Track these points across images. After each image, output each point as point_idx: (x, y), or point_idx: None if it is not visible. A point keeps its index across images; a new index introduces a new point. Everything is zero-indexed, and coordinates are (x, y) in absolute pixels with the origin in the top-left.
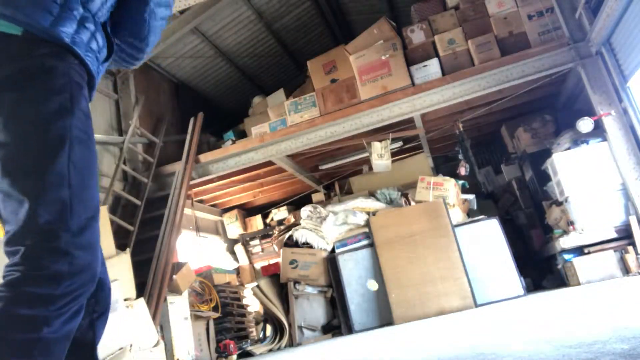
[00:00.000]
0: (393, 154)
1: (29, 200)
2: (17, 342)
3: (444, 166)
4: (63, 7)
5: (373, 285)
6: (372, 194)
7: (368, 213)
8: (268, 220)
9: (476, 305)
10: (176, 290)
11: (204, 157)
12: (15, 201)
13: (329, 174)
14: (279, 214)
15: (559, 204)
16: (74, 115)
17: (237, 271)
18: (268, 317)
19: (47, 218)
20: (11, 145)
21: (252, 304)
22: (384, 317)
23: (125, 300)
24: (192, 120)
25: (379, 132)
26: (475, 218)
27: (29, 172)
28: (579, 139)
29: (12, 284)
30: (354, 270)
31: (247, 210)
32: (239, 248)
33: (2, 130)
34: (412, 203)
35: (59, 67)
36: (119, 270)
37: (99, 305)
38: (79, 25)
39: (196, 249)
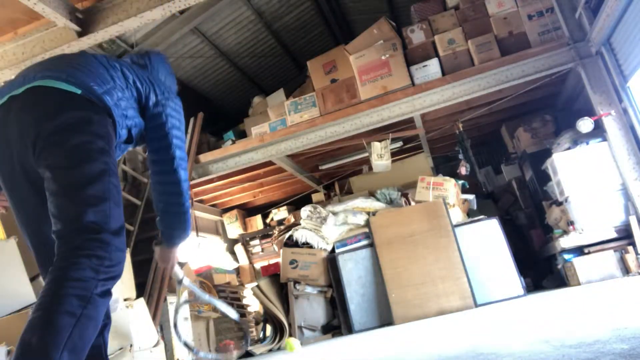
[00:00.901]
0: (393, 154)
1: (80, 207)
2: (75, 296)
3: (444, 166)
4: (108, 90)
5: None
6: (372, 194)
7: (368, 213)
8: (268, 220)
9: (476, 305)
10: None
11: (204, 157)
12: (68, 207)
13: (329, 174)
14: (279, 214)
15: (559, 204)
16: (110, 155)
17: (237, 271)
18: (268, 317)
19: (94, 219)
20: (67, 168)
21: (252, 304)
22: (384, 317)
23: (125, 300)
24: (192, 120)
25: (379, 132)
26: (475, 218)
27: (82, 187)
28: (579, 139)
29: (68, 258)
30: (354, 270)
31: (247, 210)
32: (239, 248)
33: (61, 158)
34: (412, 203)
35: (102, 121)
36: None
37: (104, 316)
38: (115, 104)
39: (196, 249)
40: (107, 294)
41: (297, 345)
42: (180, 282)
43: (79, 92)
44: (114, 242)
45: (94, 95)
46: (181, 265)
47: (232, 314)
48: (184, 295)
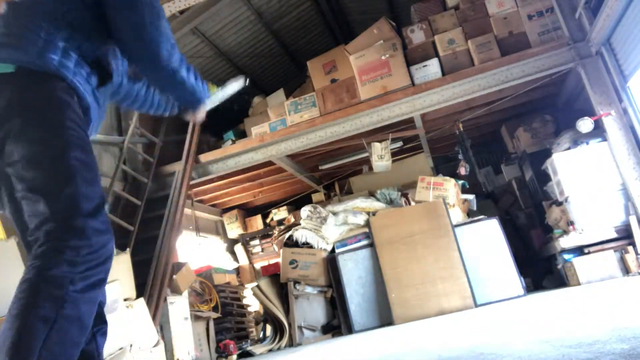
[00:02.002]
0: (393, 154)
1: (43, 197)
2: (48, 297)
3: (444, 166)
4: (46, 39)
5: None
6: (372, 194)
7: (368, 213)
8: (268, 220)
9: (476, 305)
10: (176, 290)
11: (204, 157)
12: (33, 201)
13: (329, 174)
14: (279, 214)
15: (559, 204)
16: (67, 125)
17: (237, 271)
18: (268, 317)
19: (60, 207)
20: (22, 159)
21: (252, 304)
22: (384, 317)
23: (125, 300)
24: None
25: (379, 132)
26: (475, 218)
27: (40, 176)
28: (579, 139)
29: (41, 255)
30: (354, 270)
31: (247, 210)
32: (239, 248)
33: (14, 152)
34: (412, 203)
35: (50, 89)
36: (119, 270)
37: (98, 320)
38: (63, 53)
39: (196, 249)
40: (94, 286)
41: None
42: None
43: (11, 69)
44: (90, 225)
45: (31, 62)
46: (181, 265)
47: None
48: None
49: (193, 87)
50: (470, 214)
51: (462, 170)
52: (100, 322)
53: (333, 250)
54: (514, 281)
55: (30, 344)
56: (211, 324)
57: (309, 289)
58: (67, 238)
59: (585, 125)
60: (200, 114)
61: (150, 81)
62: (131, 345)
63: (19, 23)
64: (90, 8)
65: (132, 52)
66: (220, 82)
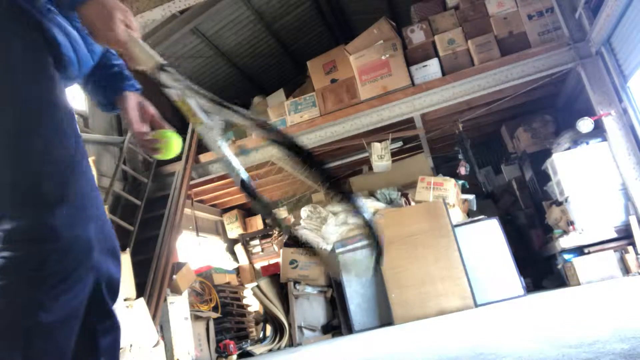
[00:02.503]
0: (393, 154)
1: None
2: (12, 331)
3: (444, 166)
4: None
5: None
6: (372, 194)
7: None
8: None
9: (476, 305)
10: (176, 290)
11: (204, 157)
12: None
13: None
14: (279, 214)
15: (559, 204)
16: (12, 67)
17: (237, 271)
18: (268, 317)
19: (18, 196)
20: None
21: (252, 304)
22: (384, 317)
23: (125, 300)
24: None
25: (379, 132)
26: (475, 218)
27: None
28: (579, 139)
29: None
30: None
31: (247, 210)
32: (239, 248)
33: None
34: (412, 203)
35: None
36: None
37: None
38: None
39: (196, 249)
40: (74, 295)
41: None
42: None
43: None
44: (57, 218)
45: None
46: (181, 265)
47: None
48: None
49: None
50: (470, 214)
51: (462, 170)
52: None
53: (333, 250)
54: (514, 281)
55: None
56: (211, 324)
57: (309, 289)
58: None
59: (585, 125)
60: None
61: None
62: (131, 345)
63: None
64: None
65: None
66: (220, 82)
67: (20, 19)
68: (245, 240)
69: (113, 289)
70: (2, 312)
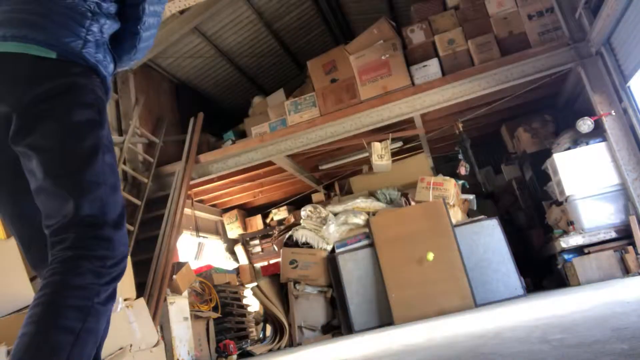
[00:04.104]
0: (393, 154)
1: (73, 198)
2: (74, 307)
3: (444, 166)
4: (87, 32)
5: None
6: (372, 194)
7: (368, 213)
8: (268, 220)
9: (476, 305)
10: (176, 290)
11: (204, 157)
12: (60, 198)
13: (329, 174)
14: (279, 214)
15: (559, 204)
16: (103, 126)
17: (237, 271)
18: (268, 317)
19: (90, 212)
20: (53, 150)
21: (252, 304)
22: (384, 317)
23: (125, 300)
24: (192, 120)
25: (379, 132)
26: (475, 218)
27: (72, 173)
28: (579, 139)
29: (66, 261)
30: (354, 270)
31: (247, 210)
32: (239, 248)
33: (45, 137)
34: (412, 203)
35: (88, 85)
36: None
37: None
38: (97, 46)
39: (196, 249)
40: (111, 298)
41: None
42: None
43: (53, 55)
44: (116, 237)
45: (72, 55)
46: (181, 265)
47: None
48: None
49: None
50: (470, 214)
51: (462, 170)
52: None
53: (333, 250)
54: (514, 281)
55: (57, 354)
56: (211, 324)
57: (309, 289)
58: (95, 247)
59: (585, 125)
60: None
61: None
62: (131, 345)
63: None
64: None
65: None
66: (220, 82)
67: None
68: (245, 240)
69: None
70: (71, 289)
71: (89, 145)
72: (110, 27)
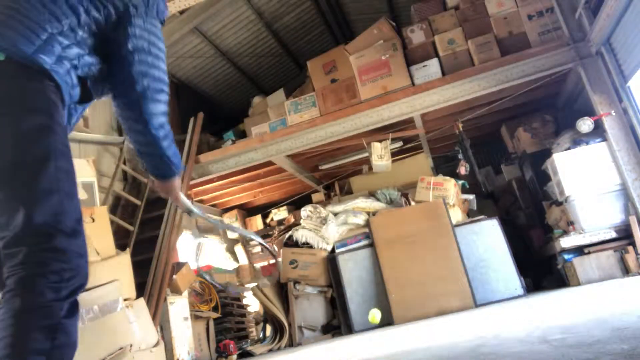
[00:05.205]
0: (393, 154)
1: (24, 208)
2: (40, 329)
3: (444, 166)
4: (45, 41)
5: (374, 318)
6: (372, 194)
7: (368, 213)
8: (268, 220)
9: (476, 305)
10: (176, 290)
11: (204, 157)
12: (10, 209)
13: (329, 174)
14: (279, 214)
15: (559, 204)
16: (55, 131)
17: (237, 271)
18: (268, 317)
19: (42, 221)
20: (1, 160)
21: (252, 304)
22: (384, 317)
23: (125, 300)
24: (192, 120)
25: (379, 132)
26: (475, 218)
27: (22, 182)
28: (579, 139)
29: (21, 281)
30: (354, 270)
31: (247, 210)
32: (239, 248)
33: None
34: (412, 203)
35: (39, 88)
36: (119, 270)
37: None
38: (57, 59)
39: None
40: (74, 309)
41: (378, 317)
42: (190, 212)
43: (2, 57)
44: (72, 247)
45: (23, 58)
46: (181, 265)
47: (254, 236)
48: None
49: (168, 158)
50: (470, 214)
51: (462, 170)
52: None
53: (333, 250)
54: (514, 281)
55: None
56: (211, 324)
57: (309, 289)
58: (49, 261)
59: (585, 125)
60: (173, 189)
61: (121, 120)
62: (131, 345)
63: (38, 6)
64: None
65: (124, 114)
66: (220, 82)
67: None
68: (245, 240)
69: None
70: (35, 311)
71: (39, 152)
72: (78, 55)
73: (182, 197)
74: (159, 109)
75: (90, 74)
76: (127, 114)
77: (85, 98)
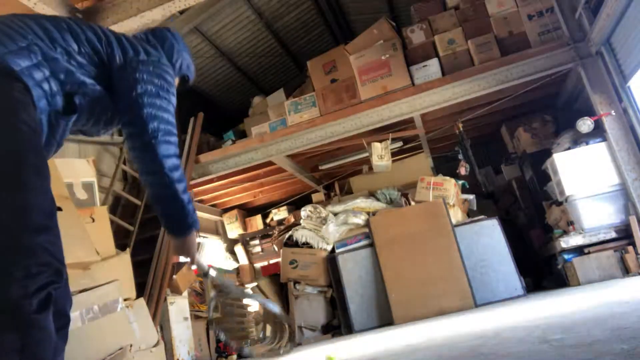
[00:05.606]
0: (393, 154)
1: None
2: (9, 329)
3: (444, 166)
4: (23, 48)
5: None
6: (372, 194)
7: (368, 213)
8: (268, 221)
9: (476, 305)
10: (176, 290)
11: (204, 157)
12: None
13: (329, 174)
14: (279, 214)
15: (559, 204)
16: (19, 129)
17: (237, 271)
18: (268, 317)
19: (5, 218)
20: None
21: (252, 304)
22: (384, 317)
23: (125, 300)
24: (192, 120)
25: (379, 132)
26: (475, 218)
27: None
28: (579, 139)
29: None
30: (354, 270)
31: (247, 210)
32: (239, 248)
33: None
34: (412, 203)
35: (3, 86)
36: (119, 270)
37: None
38: (35, 66)
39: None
40: (45, 304)
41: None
42: (205, 274)
43: None
44: (39, 243)
45: None
46: (181, 264)
47: (273, 307)
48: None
49: (183, 206)
50: (470, 214)
51: (462, 170)
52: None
53: (333, 250)
54: (514, 281)
55: None
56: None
57: (309, 289)
58: (14, 259)
59: (585, 125)
60: (189, 248)
61: (135, 162)
62: (131, 345)
63: (28, 23)
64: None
65: (135, 154)
66: (220, 82)
67: None
68: (245, 240)
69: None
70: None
71: (2, 151)
72: (66, 71)
73: (199, 257)
74: (170, 150)
75: (80, 92)
76: (138, 153)
77: (69, 110)
